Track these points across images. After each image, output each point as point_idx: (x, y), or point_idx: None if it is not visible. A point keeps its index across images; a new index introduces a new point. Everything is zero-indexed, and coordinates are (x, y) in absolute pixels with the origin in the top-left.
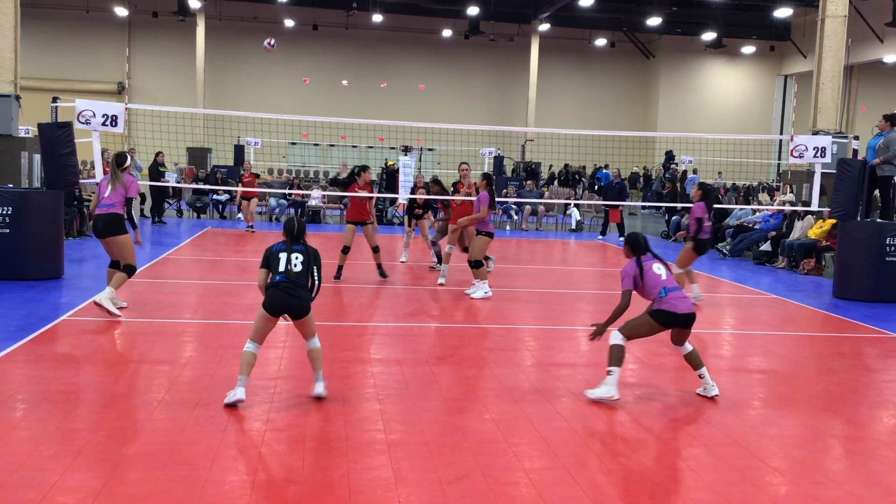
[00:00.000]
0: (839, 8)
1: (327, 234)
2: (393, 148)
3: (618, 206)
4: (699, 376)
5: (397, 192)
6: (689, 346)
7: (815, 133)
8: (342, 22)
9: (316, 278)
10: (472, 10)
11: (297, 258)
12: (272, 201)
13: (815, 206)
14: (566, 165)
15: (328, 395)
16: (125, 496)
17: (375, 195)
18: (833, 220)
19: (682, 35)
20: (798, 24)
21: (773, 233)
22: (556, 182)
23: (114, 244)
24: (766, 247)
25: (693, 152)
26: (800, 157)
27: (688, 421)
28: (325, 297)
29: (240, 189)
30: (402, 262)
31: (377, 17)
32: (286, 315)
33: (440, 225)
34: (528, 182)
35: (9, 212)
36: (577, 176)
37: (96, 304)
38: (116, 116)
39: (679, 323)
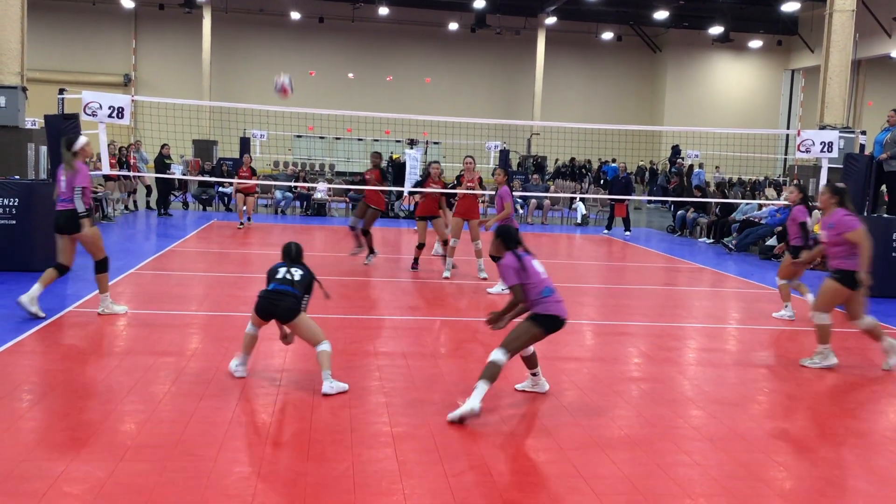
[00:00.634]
0: (847, 2)
1: (333, 227)
2: (398, 141)
3: (624, 200)
4: (532, 374)
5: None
6: (532, 348)
7: (822, 128)
8: (348, 15)
9: (313, 288)
10: (479, 4)
11: (295, 271)
12: (278, 194)
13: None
14: (572, 159)
15: (333, 394)
16: (131, 487)
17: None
18: None
19: (689, 29)
20: (805, 18)
21: (780, 228)
22: (564, 177)
23: (81, 241)
24: (772, 242)
25: (699, 146)
26: (806, 151)
27: (693, 415)
28: (331, 289)
29: (235, 181)
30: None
31: (383, 10)
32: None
33: (359, 209)
34: (535, 176)
35: (15, 203)
36: (582, 170)
37: (100, 315)
38: (123, 108)
39: (559, 327)
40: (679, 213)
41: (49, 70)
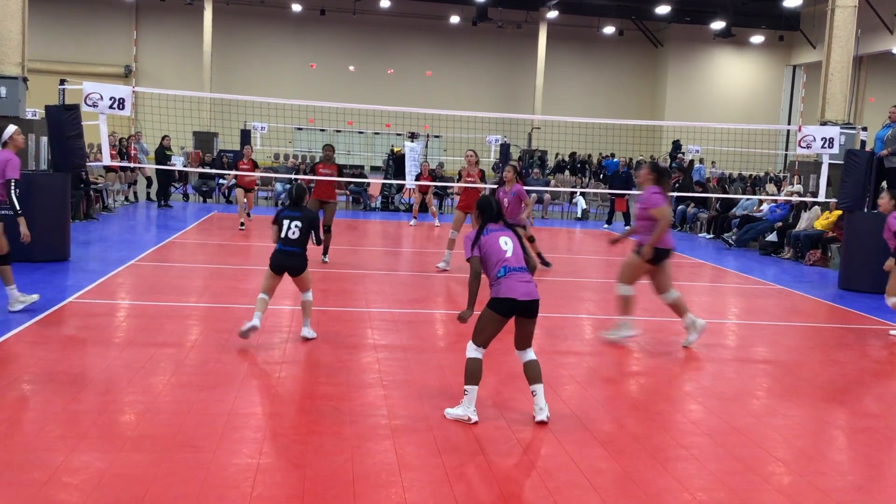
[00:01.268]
0: None
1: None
2: (399, 134)
3: (624, 195)
4: (532, 392)
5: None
6: (530, 354)
7: (824, 123)
8: (349, 7)
9: (314, 239)
10: None
11: (295, 225)
12: (279, 186)
13: (822, 197)
14: (572, 154)
15: (316, 337)
16: (130, 477)
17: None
18: (840, 212)
19: (691, 24)
20: (807, 13)
21: (780, 223)
22: (563, 170)
23: None
24: (772, 237)
25: (700, 142)
26: (807, 147)
27: (691, 410)
28: (330, 283)
29: (233, 173)
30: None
31: (385, 3)
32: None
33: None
34: (535, 170)
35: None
36: (584, 164)
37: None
38: (124, 99)
39: (519, 310)
40: (679, 208)
41: (50, 61)
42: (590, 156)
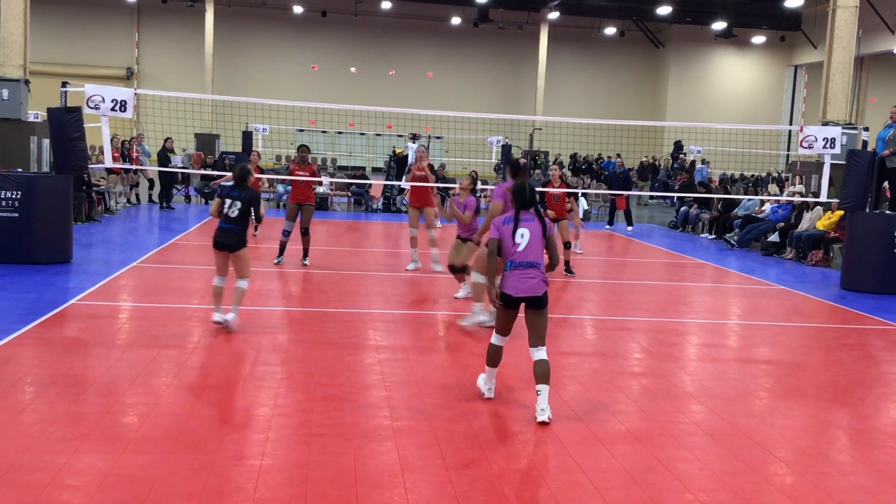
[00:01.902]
0: None
1: (335, 222)
2: (401, 135)
3: (622, 194)
4: (536, 392)
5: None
6: (540, 353)
7: (825, 124)
8: (351, 9)
9: (254, 217)
10: None
11: (236, 205)
12: (279, 188)
13: (823, 198)
14: (573, 155)
15: (236, 327)
16: (132, 479)
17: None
18: (841, 212)
19: (693, 24)
20: (809, 14)
21: (782, 224)
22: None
23: None
24: (774, 238)
25: (702, 142)
26: (809, 147)
27: (693, 411)
28: (333, 284)
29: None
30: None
31: (386, 4)
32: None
33: (290, 211)
34: (536, 171)
35: (18, 196)
36: (584, 165)
37: None
38: (125, 102)
39: (517, 306)
40: (682, 209)
41: (52, 63)
42: (599, 156)
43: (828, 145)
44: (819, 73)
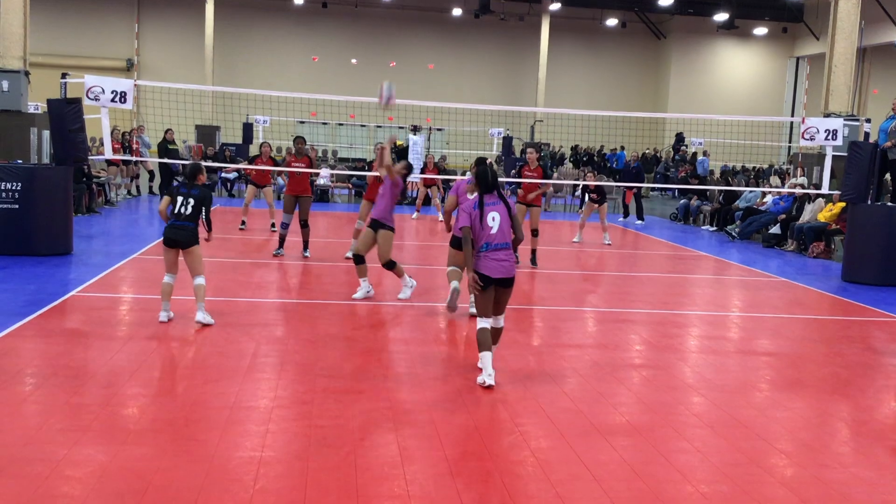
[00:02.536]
0: None
1: (336, 214)
2: (402, 127)
3: (632, 187)
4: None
5: None
6: (500, 322)
7: (827, 115)
8: (352, 0)
9: (205, 218)
10: None
11: (189, 202)
12: (279, 180)
13: (825, 189)
14: (574, 147)
15: (214, 323)
16: (133, 471)
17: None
18: (843, 204)
19: (694, 15)
20: (811, 5)
21: (783, 216)
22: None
23: None
24: (775, 230)
25: (703, 134)
26: (811, 139)
27: (694, 403)
28: (333, 277)
29: (251, 167)
30: (576, 241)
31: None
32: (179, 248)
33: (287, 203)
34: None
35: (18, 187)
36: (585, 157)
37: None
38: (125, 93)
39: (494, 283)
40: (681, 202)
41: (52, 54)
42: (601, 147)
43: (829, 137)
44: (821, 65)
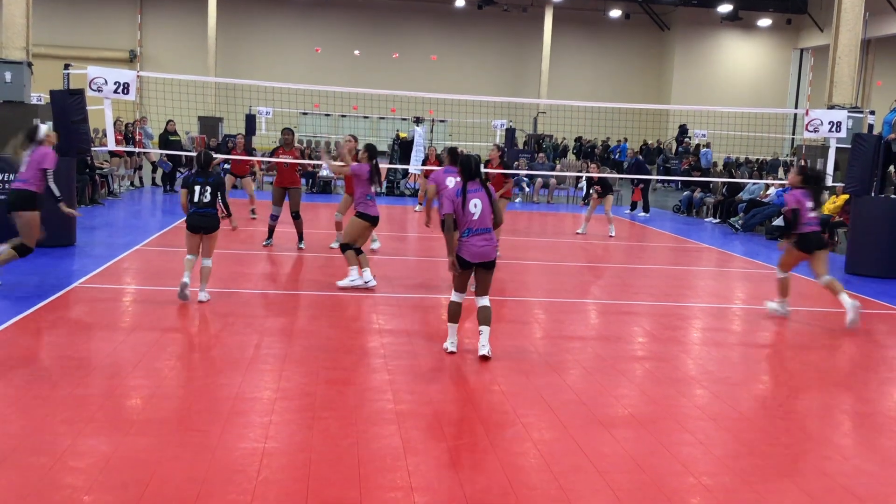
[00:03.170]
0: None
1: (337, 205)
2: (404, 119)
3: (634, 180)
4: (479, 331)
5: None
6: (484, 301)
7: (831, 107)
8: None
9: (222, 201)
10: None
11: (206, 190)
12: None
13: (829, 182)
14: (578, 138)
15: (210, 300)
16: (136, 462)
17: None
18: (847, 196)
19: (698, 7)
20: None
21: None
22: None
23: (19, 219)
24: (778, 221)
25: (707, 126)
26: (815, 131)
27: (697, 395)
28: (335, 269)
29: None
30: (580, 233)
31: None
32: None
33: (276, 195)
34: (540, 154)
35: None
36: (590, 149)
37: None
38: (128, 84)
39: (471, 268)
40: (684, 194)
41: (55, 45)
42: (608, 139)
43: (833, 129)
44: (825, 57)
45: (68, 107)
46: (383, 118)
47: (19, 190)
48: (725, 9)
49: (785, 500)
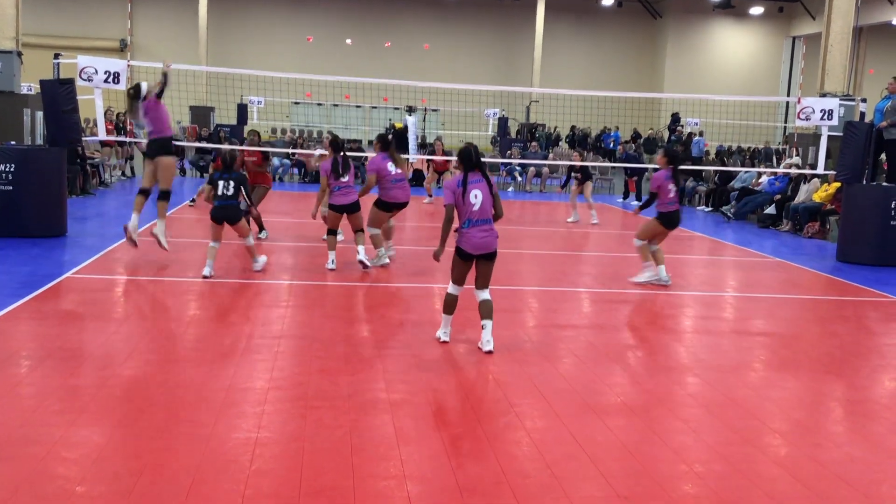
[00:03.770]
0: None
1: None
2: (397, 108)
3: (626, 169)
4: (482, 326)
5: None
6: (485, 294)
7: (823, 95)
8: None
9: (245, 195)
10: None
11: (230, 184)
12: (275, 161)
13: (820, 170)
14: (573, 127)
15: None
16: (129, 452)
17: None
18: (838, 184)
19: None
20: None
21: (778, 196)
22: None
23: (160, 164)
24: (770, 210)
25: (699, 114)
26: (807, 119)
27: (689, 383)
28: (323, 259)
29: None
30: (571, 221)
31: None
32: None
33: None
34: (533, 143)
35: (11, 169)
36: (582, 138)
37: (153, 234)
38: (118, 73)
39: (476, 256)
40: None
41: (45, 35)
42: (605, 128)
43: (825, 117)
44: (817, 45)
45: (58, 96)
46: (375, 107)
47: (156, 139)
48: None
49: (776, 487)
